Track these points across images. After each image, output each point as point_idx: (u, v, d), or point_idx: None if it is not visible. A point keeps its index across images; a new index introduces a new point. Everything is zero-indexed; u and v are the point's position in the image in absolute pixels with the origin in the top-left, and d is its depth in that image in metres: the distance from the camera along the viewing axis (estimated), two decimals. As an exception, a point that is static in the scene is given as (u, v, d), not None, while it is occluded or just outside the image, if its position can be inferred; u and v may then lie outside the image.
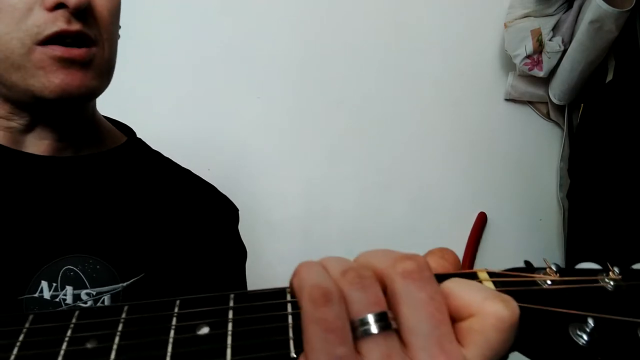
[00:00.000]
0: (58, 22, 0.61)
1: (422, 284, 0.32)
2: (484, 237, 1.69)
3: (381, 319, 0.31)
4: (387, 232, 1.61)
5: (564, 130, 1.72)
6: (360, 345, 0.31)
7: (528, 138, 1.75)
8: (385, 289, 0.33)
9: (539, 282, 0.37)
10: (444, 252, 0.39)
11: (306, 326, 0.31)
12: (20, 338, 0.33)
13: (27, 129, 0.68)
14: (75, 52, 0.63)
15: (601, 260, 0.40)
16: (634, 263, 0.39)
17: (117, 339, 0.32)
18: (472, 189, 1.70)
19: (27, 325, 0.33)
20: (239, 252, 0.84)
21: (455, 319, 0.33)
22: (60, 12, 0.61)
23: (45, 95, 0.62)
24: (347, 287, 0.32)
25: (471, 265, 1.65)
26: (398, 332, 0.32)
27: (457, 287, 0.33)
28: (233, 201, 0.87)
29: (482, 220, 1.68)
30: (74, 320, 0.33)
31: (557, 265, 0.38)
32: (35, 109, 0.67)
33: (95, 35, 0.66)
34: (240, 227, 0.87)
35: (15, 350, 0.32)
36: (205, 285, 0.74)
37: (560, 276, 0.37)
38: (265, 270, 1.50)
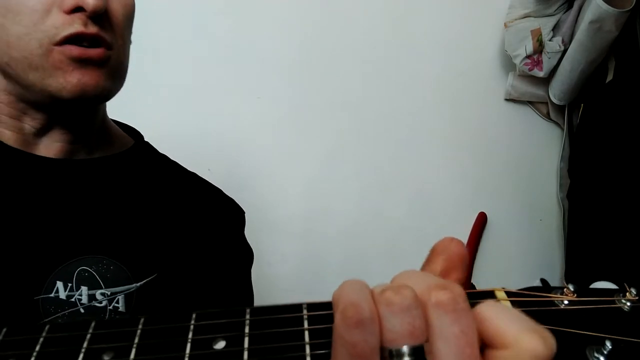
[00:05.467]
0: (75, 25, 0.63)
1: (456, 316, 0.31)
2: (484, 237, 1.69)
3: (416, 352, 0.30)
4: (387, 232, 1.62)
5: (564, 130, 1.72)
6: None
7: (528, 138, 1.75)
8: None
9: (556, 302, 0.37)
10: (447, 249, 0.38)
11: (335, 345, 0.31)
12: (37, 348, 0.33)
13: (40, 132, 0.69)
14: (92, 51, 0.64)
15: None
16: None
17: (133, 352, 0.32)
18: (472, 189, 1.70)
19: (43, 334, 0.33)
20: (246, 255, 0.85)
21: (487, 345, 0.32)
22: (77, 15, 0.63)
23: (62, 96, 0.63)
24: (385, 309, 0.31)
25: (471, 266, 1.65)
26: None
27: (493, 314, 0.32)
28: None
29: (482, 220, 1.68)
30: (90, 331, 0.33)
31: (574, 285, 0.38)
32: (52, 109, 0.68)
33: (111, 39, 0.67)
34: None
35: None
36: (213, 286, 0.75)
37: (577, 296, 0.37)
38: (266, 270, 1.50)
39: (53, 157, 0.70)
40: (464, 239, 1.65)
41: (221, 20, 1.56)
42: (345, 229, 1.60)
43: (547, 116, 1.74)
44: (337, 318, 0.31)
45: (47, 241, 0.65)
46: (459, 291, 0.32)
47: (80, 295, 0.64)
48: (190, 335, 0.33)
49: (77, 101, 0.64)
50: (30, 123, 0.68)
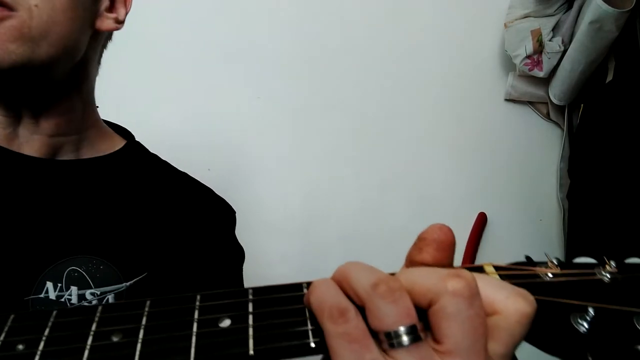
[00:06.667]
0: None
1: (472, 301, 0.33)
2: (484, 237, 1.69)
3: (412, 331, 0.33)
4: (387, 233, 1.62)
5: (564, 131, 1.72)
6: (393, 355, 0.33)
7: (528, 138, 1.75)
8: (426, 303, 0.34)
9: (541, 275, 0.40)
10: (438, 239, 0.39)
11: (331, 342, 0.33)
12: (46, 333, 0.33)
13: (12, 122, 0.67)
14: None
15: (600, 257, 0.42)
16: (628, 257, 0.42)
17: (141, 333, 0.33)
18: (472, 189, 1.71)
19: (51, 319, 0.34)
20: (236, 254, 0.86)
21: None
22: None
23: None
24: (378, 300, 0.33)
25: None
26: (434, 340, 0.33)
27: (480, 285, 0.35)
28: (233, 202, 0.88)
29: (482, 220, 1.68)
30: (98, 315, 0.34)
31: (557, 259, 0.41)
32: None
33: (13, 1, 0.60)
34: (240, 227, 0.88)
35: (41, 345, 0.33)
36: (204, 286, 0.75)
37: (560, 269, 0.41)
38: (266, 270, 1.50)
39: (39, 156, 0.69)
40: (464, 239, 1.65)
41: (221, 20, 1.56)
42: (345, 230, 1.60)
43: (547, 116, 1.75)
44: (326, 322, 0.33)
45: (37, 242, 0.65)
46: (471, 276, 0.34)
47: (70, 295, 0.64)
48: (196, 315, 0.34)
49: None
50: (1, 112, 0.67)
